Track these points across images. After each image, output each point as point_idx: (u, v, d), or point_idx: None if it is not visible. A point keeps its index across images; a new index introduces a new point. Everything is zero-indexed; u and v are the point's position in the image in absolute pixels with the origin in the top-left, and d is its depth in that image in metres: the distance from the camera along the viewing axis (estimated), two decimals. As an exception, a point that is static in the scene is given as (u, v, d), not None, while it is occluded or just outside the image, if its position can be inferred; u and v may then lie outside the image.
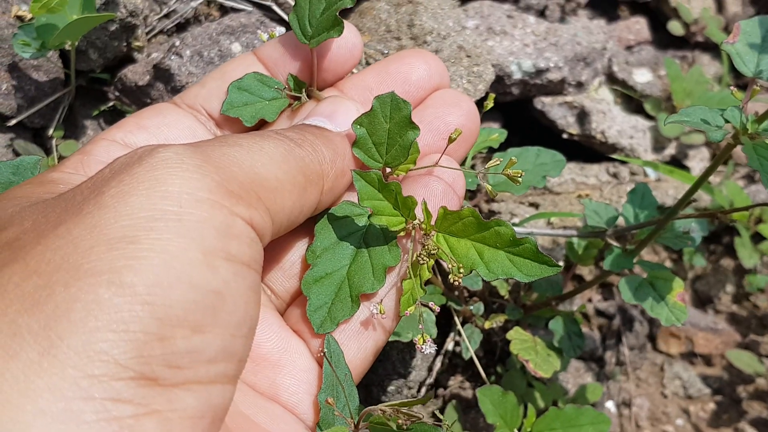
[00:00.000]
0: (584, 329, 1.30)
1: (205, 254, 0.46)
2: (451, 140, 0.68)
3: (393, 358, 1.05)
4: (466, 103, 0.77)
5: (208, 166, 0.50)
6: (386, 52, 1.14)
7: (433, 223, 0.67)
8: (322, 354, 0.64)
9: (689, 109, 0.77)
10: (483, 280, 1.04)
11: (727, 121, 0.77)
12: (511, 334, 1.03)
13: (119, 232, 0.44)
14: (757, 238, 1.39)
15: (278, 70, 0.75)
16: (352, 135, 0.68)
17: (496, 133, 1.03)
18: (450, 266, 0.65)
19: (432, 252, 0.65)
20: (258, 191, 0.53)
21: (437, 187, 0.71)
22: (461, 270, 0.64)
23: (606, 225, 0.99)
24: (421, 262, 0.65)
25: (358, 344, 0.67)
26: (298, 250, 0.70)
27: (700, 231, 1.00)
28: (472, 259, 0.65)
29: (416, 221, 0.67)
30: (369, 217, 0.67)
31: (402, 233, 0.67)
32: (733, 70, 1.53)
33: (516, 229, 1.04)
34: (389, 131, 0.67)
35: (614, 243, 0.97)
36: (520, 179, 0.68)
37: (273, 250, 0.69)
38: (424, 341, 0.67)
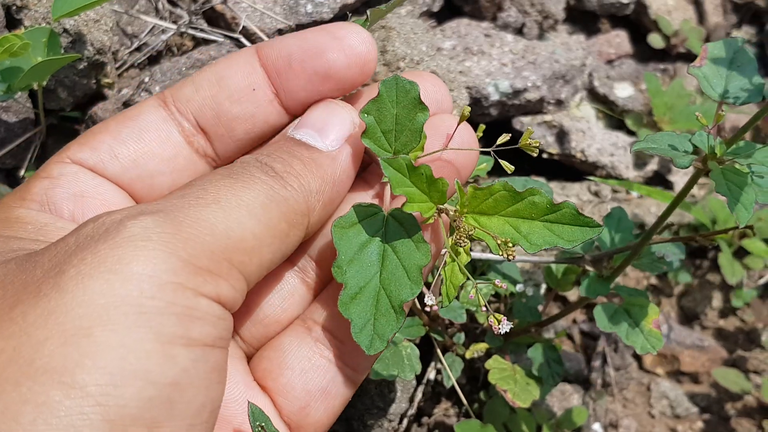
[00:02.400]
0: (569, 350, 1.29)
1: (164, 344, 0.45)
2: (463, 117, 0.64)
3: (371, 392, 1.04)
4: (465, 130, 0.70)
5: (177, 241, 0.48)
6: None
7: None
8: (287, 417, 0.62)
9: (656, 135, 0.76)
10: (466, 312, 1.04)
11: (696, 147, 0.76)
12: (489, 363, 1.02)
13: (75, 322, 0.43)
14: (742, 252, 1.38)
15: (281, 82, 0.64)
16: (344, 151, 0.62)
17: (483, 162, 1.02)
18: (498, 242, 0.60)
19: (470, 233, 0.61)
20: (231, 258, 0.51)
21: (451, 171, 0.66)
22: (509, 243, 0.59)
23: (582, 250, 0.98)
24: (462, 244, 0.61)
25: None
26: (266, 289, 0.66)
27: (677, 254, 0.99)
28: (509, 235, 0.61)
29: (446, 205, 0.62)
30: (384, 216, 0.63)
31: (431, 220, 0.62)
32: (716, 81, 1.53)
33: (492, 256, 1.03)
34: (397, 116, 0.63)
35: (590, 268, 0.96)
36: (536, 149, 0.64)
37: None
38: (499, 322, 0.60)
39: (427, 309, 0.58)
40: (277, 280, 0.65)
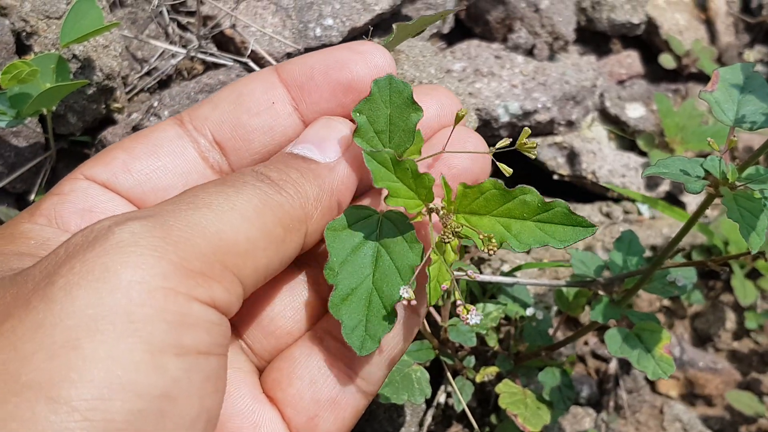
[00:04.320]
0: (581, 373, 1.28)
1: (153, 354, 0.44)
2: (458, 118, 0.62)
3: (380, 417, 1.03)
4: (474, 139, 0.69)
5: (167, 244, 0.47)
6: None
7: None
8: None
9: (668, 159, 0.76)
10: (476, 335, 1.03)
11: (707, 172, 0.76)
12: (500, 387, 1.02)
13: (63, 334, 0.43)
14: (755, 273, 1.37)
15: (302, 95, 0.64)
16: (342, 163, 0.61)
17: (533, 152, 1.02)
18: (481, 238, 0.58)
19: (456, 230, 0.59)
20: (224, 260, 0.50)
21: (452, 169, 0.64)
22: (492, 239, 0.58)
23: (593, 274, 0.98)
24: (446, 241, 0.59)
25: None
26: (278, 301, 0.65)
27: (688, 279, 0.99)
28: (499, 233, 0.60)
29: (434, 203, 0.60)
30: (378, 218, 0.62)
31: (420, 218, 0.60)
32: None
33: (502, 279, 1.02)
34: (390, 116, 0.62)
35: (601, 292, 0.95)
36: (535, 151, 0.63)
37: (251, 302, 0.64)
38: (468, 311, 0.58)
39: (404, 302, 0.56)
40: (289, 293, 0.65)
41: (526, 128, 0.62)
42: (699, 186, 0.72)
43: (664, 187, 1.40)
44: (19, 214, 0.59)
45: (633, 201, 1.36)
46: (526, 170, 1.39)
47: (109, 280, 0.45)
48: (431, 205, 0.60)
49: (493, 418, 1.15)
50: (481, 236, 0.58)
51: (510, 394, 1.01)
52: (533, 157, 0.64)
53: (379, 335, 0.59)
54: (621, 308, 0.94)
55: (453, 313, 1.03)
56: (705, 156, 1.45)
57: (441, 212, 0.60)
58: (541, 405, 1.02)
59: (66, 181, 0.59)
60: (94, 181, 0.59)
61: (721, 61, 1.58)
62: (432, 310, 1.01)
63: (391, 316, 0.59)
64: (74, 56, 1.03)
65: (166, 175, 0.61)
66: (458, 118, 0.62)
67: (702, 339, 1.37)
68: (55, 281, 0.45)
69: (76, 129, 1.08)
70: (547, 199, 0.59)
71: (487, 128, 1.29)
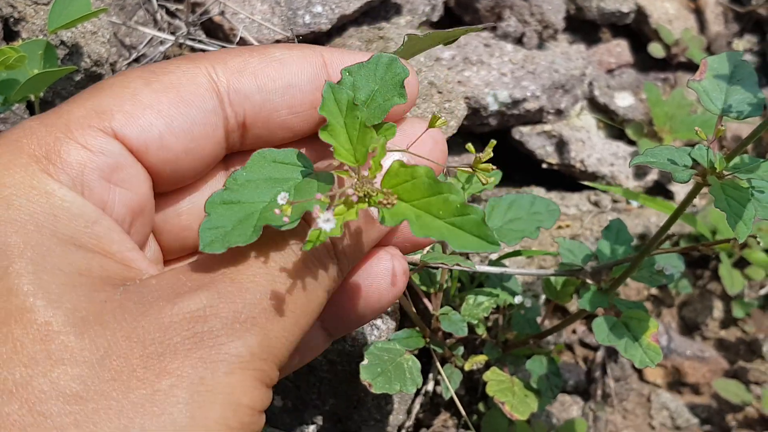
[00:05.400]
0: (569, 361, 1.28)
1: None
2: (433, 121, 0.61)
3: (369, 404, 1.03)
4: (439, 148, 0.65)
5: (265, 367, 0.50)
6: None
7: (380, 178, 0.56)
8: None
9: (656, 149, 0.76)
10: (468, 325, 1.03)
11: (695, 161, 0.76)
12: (488, 375, 1.02)
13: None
14: (742, 262, 1.37)
15: (234, 106, 0.57)
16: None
17: (492, 176, 1.02)
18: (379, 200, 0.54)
19: (369, 195, 0.54)
20: (283, 364, 0.52)
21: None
22: (391, 199, 0.53)
23: (581, 263, 0.98)
24: (353, 195, 0.53)
25: None
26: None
27: (676, 267, 0.99)
28: (407, 215, 0.55)
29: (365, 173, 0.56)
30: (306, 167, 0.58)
31: (345, 174, 0.56)
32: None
33: (490, 269, 1.03)
34: (374, 92, 0.60)
35: (589, 281, 0.96)
36: (491, 179, 0.62)
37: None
38: (322, 212, 0.51)
39: (315, 226, 0.50)
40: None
41: (493, 141, 0.61)
42: (686, 175, 0.72)
43: (653, 176, 1.40)
44: (35, 132, 0.50)
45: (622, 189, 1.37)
46: (514, 159, 1.39)
47: (221, 401, 0.46)
48: (360, 173, 0.56)
49: (481, 406, 1.16)
50: (383, 200, 0.54)
51: (498, 381, 1.01)
52: (484, 182, 0.62)
53: (232, 244, 0.53)
54: (609, 296, 0.94)
55: (444, 303, 1.03)
56: (694, 145, 1.45)
57: (364, 176, 0.55)
58: (529, 393, 1.02)
59: (93, 130, 0.51)
60: (127, 145, 0.52)
61: (710, 51, 1.58)
62: (424, 299, 1.01)
63: (252, 235, 0.53)
64: (62, 42, 1.02)
65: (197, 157, 0.56)
66: (433, 120, 0.61)
67: (689, 327, 1.38)
68: (162, 378, 0.45)
69: (64, 116, 1.07)
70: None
71: (476, 116, 1.29)
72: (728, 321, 1.38)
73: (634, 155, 1.39)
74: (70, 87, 1.05)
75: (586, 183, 1.31)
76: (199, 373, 0.45)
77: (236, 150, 0.60)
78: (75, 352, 0.44)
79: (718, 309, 1.39)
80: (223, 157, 0.60)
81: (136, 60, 1.15)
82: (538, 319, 1.11)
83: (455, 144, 1.32)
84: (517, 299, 1.07)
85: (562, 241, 0.99)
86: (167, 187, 0.57)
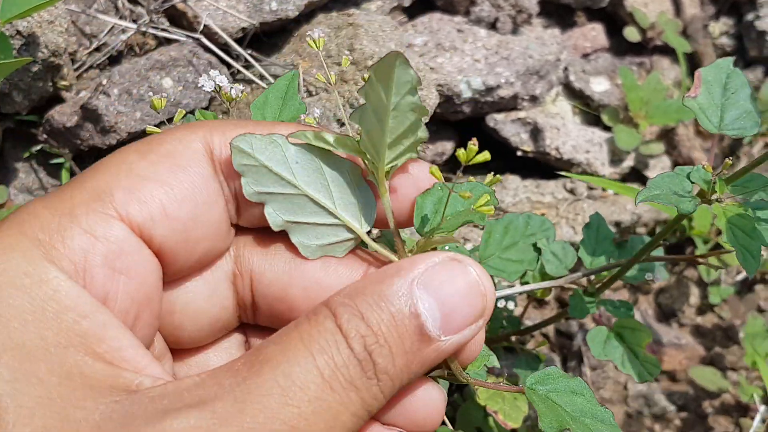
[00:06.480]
0: (545, 351, 1.27)
1: None
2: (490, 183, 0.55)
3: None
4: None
5: None
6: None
7: None
8: None
9: (657, 179, 0.71)
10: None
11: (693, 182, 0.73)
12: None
13: None
14: (719, 248, 1.36)
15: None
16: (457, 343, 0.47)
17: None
18: None
19: None
20: None
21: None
22: None
23: (567, 267, 0.95)
24: None
25: None
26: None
27: (662, 275, 0.97)
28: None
29: None
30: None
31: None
32: (693, 74, 1.50)
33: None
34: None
35: (575, 286, 0.94)
36: (491, 209, 0.57)
37: None
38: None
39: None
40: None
41: (475, 138, 0.56)
42: (692, 206, 0.69)
43: (629, 162, 1.39)
44: (39, 215, 0.47)
45: (598, 177, 1.35)
46: (488, 147, 1.37)
47: None
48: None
49: (456, 398, 1.14)
50: None
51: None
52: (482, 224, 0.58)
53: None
54: (596, 300, 0.92)
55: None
56: (669, 131, 1.44)
57: None
58: (518, 395, 1.00)
59: (97, 214, 0.48)
60: (130, 224, 0.49)
61: (686, 34, 1.57)
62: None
63: None
64: (18, 32, 0.99)
65: (201, 226, 0.51)
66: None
67: (666, 314, 1.37)
68: None
69: (22, 107, 1.04)
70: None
71: (449, 104, 1.27)
72: (705, 307, 1.37)
73: (610, 141, 1.37)
74: (27, 78, 1.02)
75: (561, 173, 1.29)
76: None
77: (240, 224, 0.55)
78: None
79: (694, 295, 1.38)
80: (232, 235, 0.55)
81: (97, 49, 1.12)
82: (517, 312, 1.10)
83: (429, 132, 1.29)
84: (500, 303, 1.05)
85: (544, 245, 0.96)
86: (181, 267, 0.52)
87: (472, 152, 0.50)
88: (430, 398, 0.49)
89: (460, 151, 0.50)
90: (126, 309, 0.48)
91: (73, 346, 0.44)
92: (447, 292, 0.45)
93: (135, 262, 0.48)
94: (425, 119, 0.51)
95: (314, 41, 0.70)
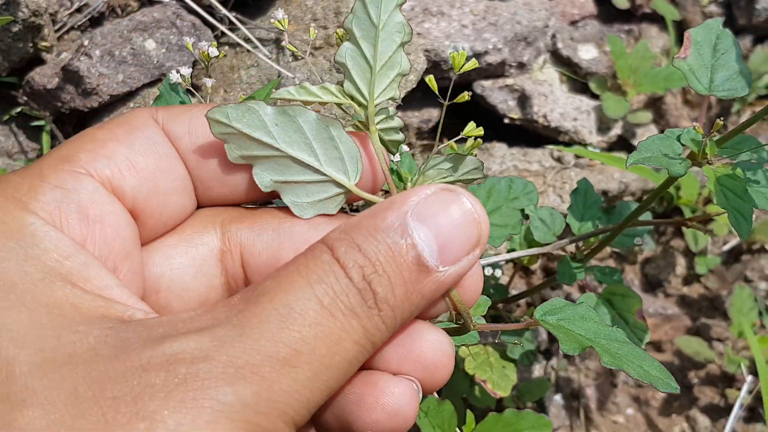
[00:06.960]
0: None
1: None
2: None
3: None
4: None
5: (260, 420, 0.42)
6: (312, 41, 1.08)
7: None
8: None
9: (647, 141, 0.71)
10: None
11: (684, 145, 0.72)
12: (463, 351, 0.99)
13: None
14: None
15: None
16: (456, 274, 0.47)
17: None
18: None
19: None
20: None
21: None
22: None
23: (554, 234, 0.95)
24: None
25: None
26: None
27: (649, 244, 0.97)
28: None
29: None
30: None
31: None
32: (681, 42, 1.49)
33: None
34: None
35: (563, 252, 0.93)
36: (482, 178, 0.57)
37: None
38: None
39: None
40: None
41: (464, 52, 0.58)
42: (683, 168, 0.68)
43: (616, 130, 1.38)
44: (11, 180, 0.49)
45: (585, 145, 1.34)
46: (476, 114, 1.35)
47: None
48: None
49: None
50: None
51: (474, 355, 0.99)
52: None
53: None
54: (584, 266, 0.92)
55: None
56: (657, 99, 1.43)
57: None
58: (507, 363, 1.00)
59: (65, 172, 0.50)
60: (98, 178, 0.50)
61: (675, 1, 1.55)
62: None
63: None
64: (-4, -9, 0.96)
65: (167, 177, 0.53)
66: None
67: (652, 284, 1.37)
68: (133, 422, 0.40)
69: (2, 69, 1.02)
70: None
71: (436, 70, 1.25)
72: (691, 278, 1.37)
73: (597, 109, 1.36)
74: (7, 39, 0.99)
75: (548, 147, 1.28)
76: (178, 418, 0.40)
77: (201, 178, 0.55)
78: (37, 395, 0.40)
79: (681, 266, 1.37)
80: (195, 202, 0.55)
81: (78, 10, 1.09)
82: (504, 281, 1.09)
83: (415, 99, 1.28)
84: (497, 272, 1.04)
85: (533, 211, 0.95)
86: (155, 223, 0.53)
87: (462, 58, 0.53)
88: (439, 341, 0.49)
89: (453, 54, 0.54)
90: (105, 257, 0.49)
91: (60, 281, 0.44)
92: (441, 222, 0.45)
93: (108, 212, 0.49)
94: (409, 67, 0.52)
95: (279, 21, 0.68)
